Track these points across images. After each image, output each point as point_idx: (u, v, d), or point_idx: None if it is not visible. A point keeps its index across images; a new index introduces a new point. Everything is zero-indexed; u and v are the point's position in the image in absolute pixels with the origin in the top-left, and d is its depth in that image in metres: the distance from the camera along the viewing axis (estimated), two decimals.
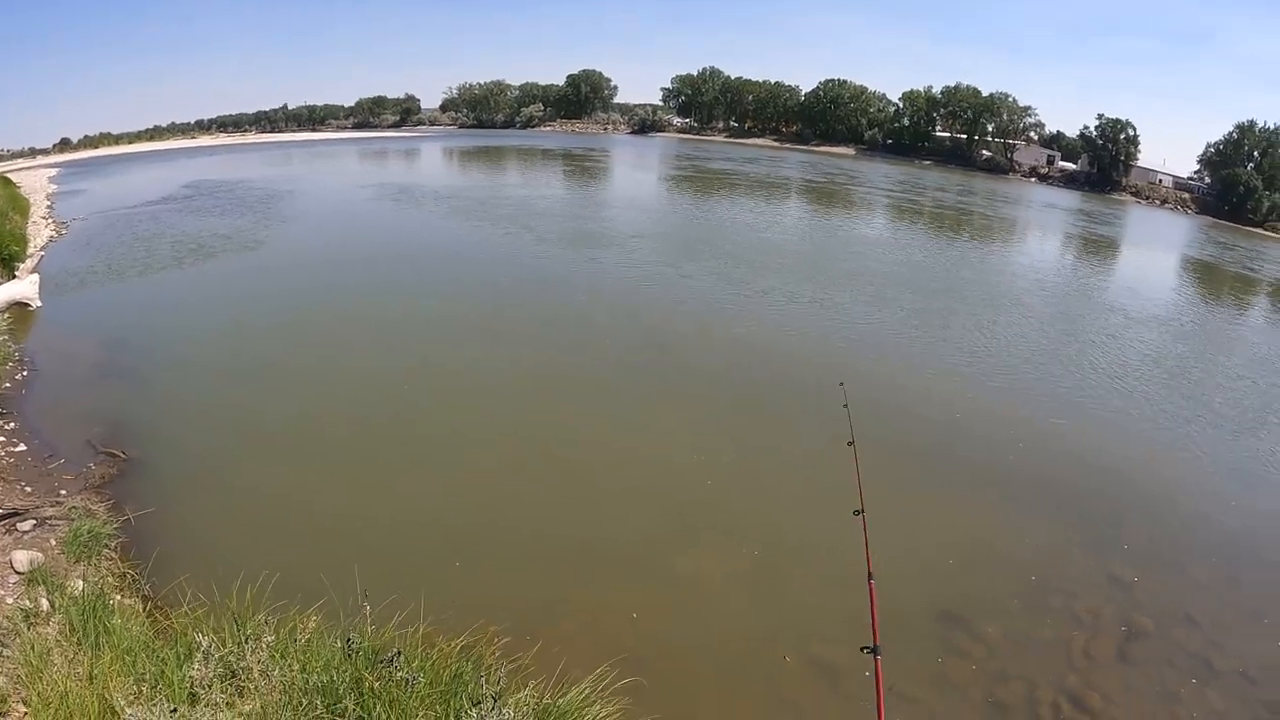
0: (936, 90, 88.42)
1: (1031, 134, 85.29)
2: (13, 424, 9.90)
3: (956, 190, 55.82)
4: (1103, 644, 7.04)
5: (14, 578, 6.13)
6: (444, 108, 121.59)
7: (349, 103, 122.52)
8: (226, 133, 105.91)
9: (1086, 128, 77.83)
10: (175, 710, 3.89)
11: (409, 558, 7.54)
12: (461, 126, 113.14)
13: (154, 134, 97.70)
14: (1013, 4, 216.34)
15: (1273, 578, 8.57)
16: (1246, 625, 7.53)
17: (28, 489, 8.26)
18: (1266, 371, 16.87)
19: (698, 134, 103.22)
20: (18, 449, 9.24)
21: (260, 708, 4.10)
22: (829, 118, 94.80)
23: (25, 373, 11.87)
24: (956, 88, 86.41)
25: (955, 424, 11.69)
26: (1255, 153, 68.92)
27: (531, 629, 6.23)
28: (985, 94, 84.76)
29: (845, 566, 7.52)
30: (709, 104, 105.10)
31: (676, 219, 32.97)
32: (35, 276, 16.61)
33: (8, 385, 11.17)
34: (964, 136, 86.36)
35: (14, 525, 7.14)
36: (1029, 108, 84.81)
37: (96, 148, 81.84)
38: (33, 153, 74.64)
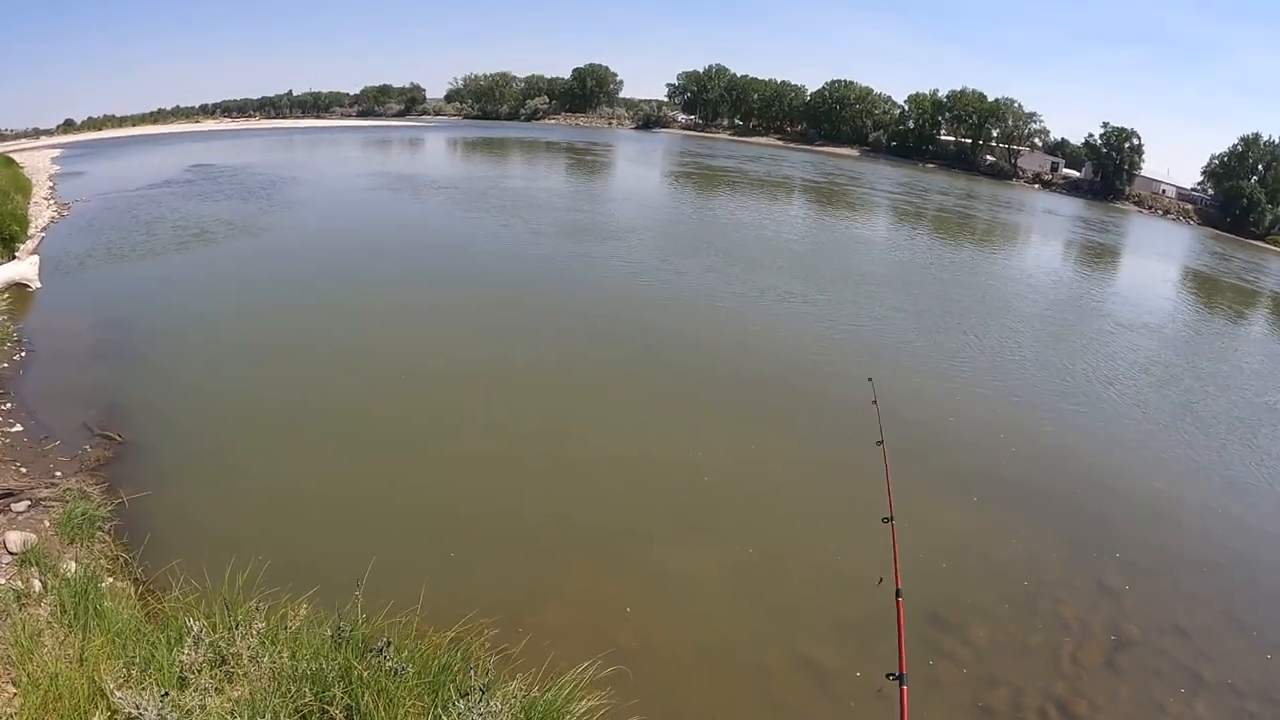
0: (942, 94, 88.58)
1: (1036, 140, 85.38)
2: (9, 404, 9.89)
3: (959, 194, 55.86)
4: (1091, 651, 7.06)
5: (6, 558, 6.13)
6: (449, 98, 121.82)
7: (354, 90, 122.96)
8: (230, 117, 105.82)
9: (1091, 135, 78.16)
10: (166, 695, 3.89)
11: (404, 547, 7.54)
12: (466, 117, 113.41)
13: (158, 117, 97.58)
14: (1021, 10, 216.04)
15: (1264, 590, 8.60)
16: (1236, 637, 7.55)
17: (23, 470, 8.24)
18: (1262, 382, 16.92)
19: (702, 131, 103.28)
20: (13, 429, 9.23)
21: (249, 694, 4.10)
22: (834, 118, 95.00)
23: (23, 353, 11.85)
24: (962, 92, 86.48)
25: (948, 426, 11.72)
26: (1259, 166, 69.01)
27: (522, 621, 6.26)
28: (991, 99, 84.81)
29: (844, 568, 7.71)
30: (714, 101, 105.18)
31: (675, 215, 33.00)
32: (35, 258, 16.56)
33: (4, 366, 11.16)
34: (968, 141, 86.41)
35: (8, 506, 7.14)
36: (1034, 114, 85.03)
37: (100, 130, 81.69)
38: (36, 133, 74.45)
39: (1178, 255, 43.59)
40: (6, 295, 13.94)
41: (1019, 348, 16.55)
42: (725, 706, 6.07)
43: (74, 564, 6.11)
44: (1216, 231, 63.77)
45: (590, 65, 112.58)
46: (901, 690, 3.17)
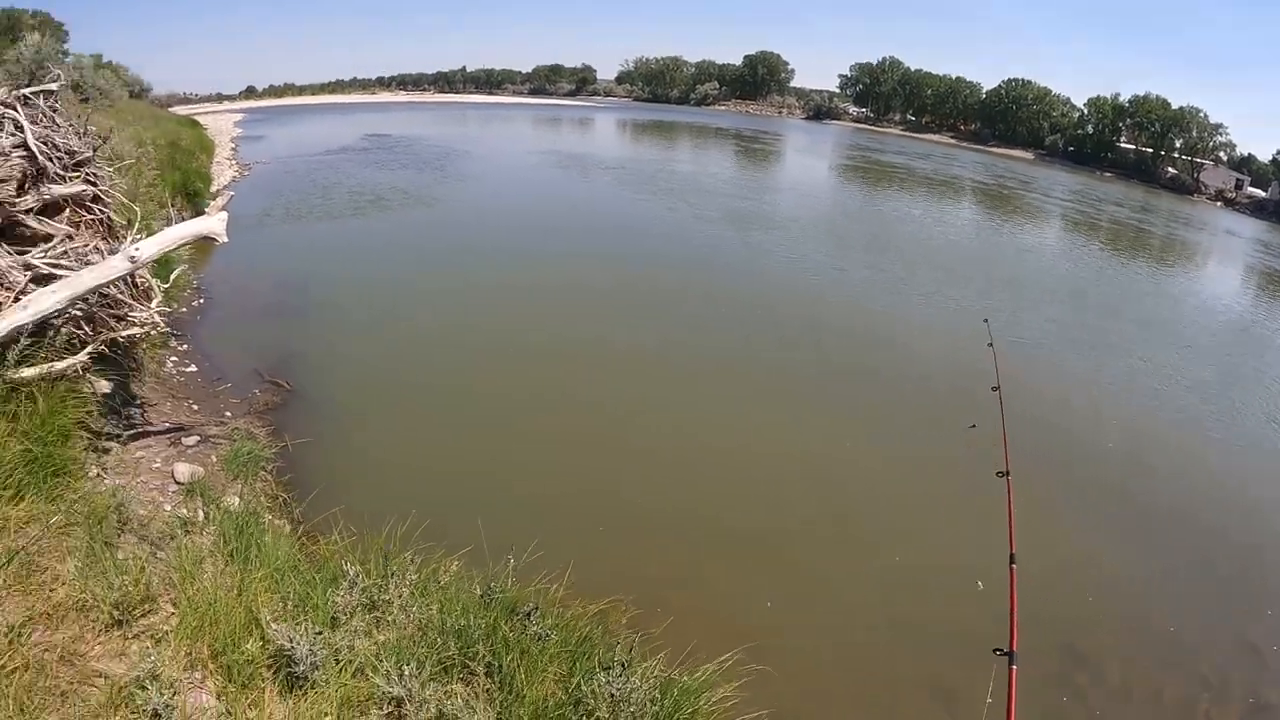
0: (1124, 99, 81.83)
1: (1220, 154, 77.55)
2: (186, 346, 10.54)
3: (1135, 207, 51.02)
4: (1226, 712, 6.21)
5: (174, 487, 6.43)
6: (619, 80, 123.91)
7: (526, 69, 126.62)
8: (406, 90, 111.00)
9: None
10: (320, 633, 3.91)
11: (555, 519, 7.40)
12: (636, 100, 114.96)
13: (335, 87, 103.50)
14: (1212, 12, 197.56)
15: None
16: None
17: (194, 407, 8.72)
18: None
19: (873, 125, 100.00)
20: (189, 369, 9.81)
21: (396, 640, 4.16)
22: (1009, 118, 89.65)
23: (201, 300, 12.65)
24: (1145, 98, 79.24)
25: (1108, 451, 10.53)
26: None
27: (663, 604, 6.06)
28: (1175, 107, 77.70)
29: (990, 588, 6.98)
30: (886, 95, 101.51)
31: (840, 208, 31.87)
32: (224, 214, 17.44)
33: (184, 310, 11.85)
34: (1149, 150, 79.25)
35: (179, 439, 7.51)
36: (1220, 125, 77.03)
37: (281, 97, 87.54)
38: (219, 98, 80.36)
39: None
40: (190, 247, 14.82)
41: (1189, 375, 14.73)
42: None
43: (236, 499, 6.28)
44: None
45: (762, 52, 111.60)
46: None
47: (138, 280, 7.31)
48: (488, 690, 4.06)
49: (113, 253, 6.60)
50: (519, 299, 14.65)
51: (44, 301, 5.75)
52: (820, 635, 6.47)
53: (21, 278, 5.97)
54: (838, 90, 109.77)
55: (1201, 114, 76.93)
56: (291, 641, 3.64)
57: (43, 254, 6.35)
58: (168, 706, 3.29)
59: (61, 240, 6.60)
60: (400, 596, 4.63)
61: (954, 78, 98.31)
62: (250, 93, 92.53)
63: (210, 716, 3.44)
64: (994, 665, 3.43)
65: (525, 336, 12.47)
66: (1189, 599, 7.70)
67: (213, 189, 22.39)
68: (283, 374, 9.96)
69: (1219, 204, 69.83)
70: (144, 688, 3.33)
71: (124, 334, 6.94)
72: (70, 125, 7.72)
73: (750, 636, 5.68)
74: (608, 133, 61.91)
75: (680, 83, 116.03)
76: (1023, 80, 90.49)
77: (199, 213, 17.75)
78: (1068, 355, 14.84)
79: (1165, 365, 15.09)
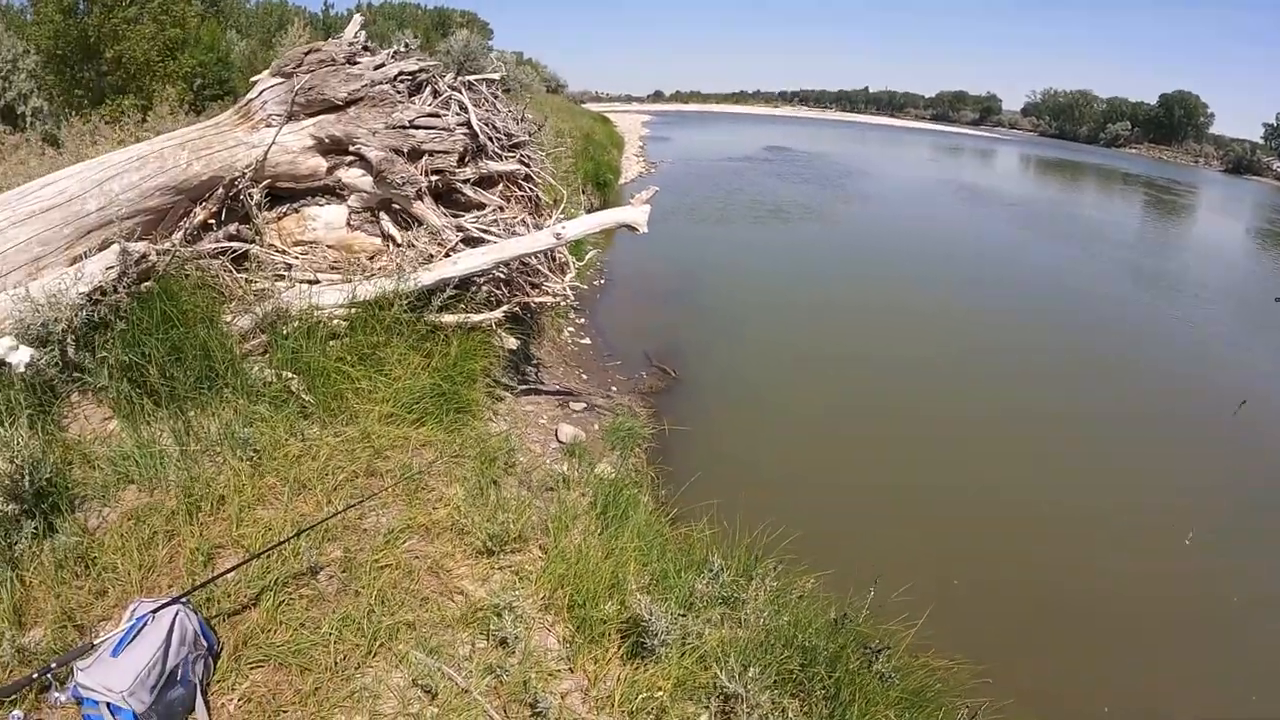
0: None
1: None
2: (584, 320, 11.44)
3: None
4: None
5: (555, 445, 6.86)
6: (1025, 112, 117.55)
7: (929, 93, 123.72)
8: (807, 106, 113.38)
9: None
10: (684, 615, 3.87)
11: (920, 563, 6.74)
12: (1041, 134, 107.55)
13: (739, 98, 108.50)
14: None
15: None
16: None
17: (584, 377, 9.33)
18: None
19: None
20: (584, 341, 10.64)
21: (745, 640, 4.04)
22: None
23: (602, 280, 13.64)
24: None
25: None
26: None
27: (1009, 676, 5.16)
28: None
29: None
30: None
31: (1254, 280, 25.56)
32: (647, 207, 18.82)
33: (586, 288, 12.77)
34: None
35: (567, 403, 8.05)
36: None
37: (686, 103, 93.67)
38: (628, 99, 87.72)
39: None
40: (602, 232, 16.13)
41: None
42: None
43: (610, 468, 6.46)
44: None
45: (1179, 93, 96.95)
46: None
47: (556, 255, 7.88)
48: (821, 715, 3.85)
49: (538, 228, 7.14)
50: (907, 327, 13.74)
51: (472, 260, 6.33)
52: None
53: (453, 237, 6.64)
54: (1261, 141, 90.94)
55: None
56: (651, 615, 3.60)
57: (474, 220, 7.00)
58: (516, 638, 3.47)
59: (493, 210, 7.24)
60: (756, 599, 4.45)
61: None
62: (657, 96, 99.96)
63: (553, 658, 3.59)
64: None
65: (912, 369, 11.62)
66: None
67: (620, 182, 24.21)
68: (669, 361, 10.31)
69: None
70: (499, 615, 3.52)
71: (536, 300, 7.52)
72: (509, 111, 8.51)
73: None
74: (1009, 167, 58.18)
75: (1089, 119, 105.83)
76: None
77: (607, 202, 19.26)
78: None
79: None
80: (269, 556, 3.54)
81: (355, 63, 6.92)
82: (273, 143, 6.33)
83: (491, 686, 3.27)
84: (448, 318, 6.14)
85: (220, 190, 6.03)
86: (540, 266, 7.55)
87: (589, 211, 14.51)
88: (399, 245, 6.54)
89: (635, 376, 9.72)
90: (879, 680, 4.13)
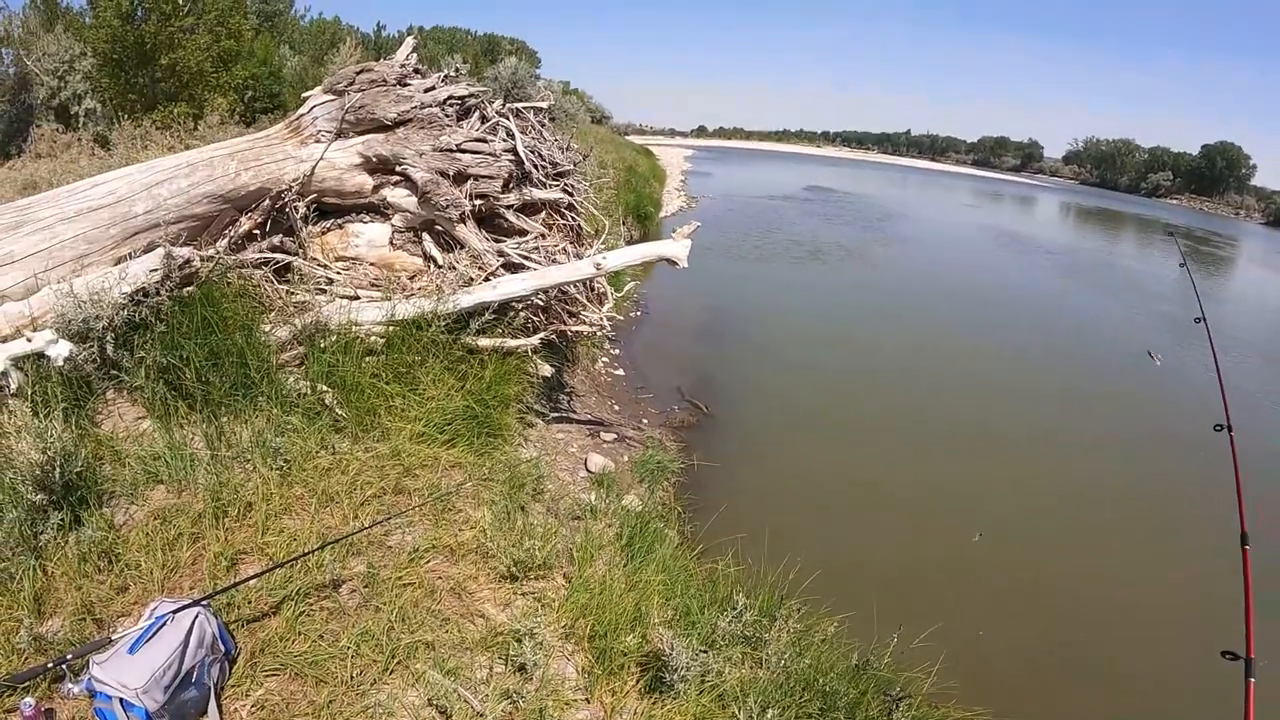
0: None
1: None
2: (618, 351, 11.44)
3: None
4: None
5: (583, 474, 6.85)
6: (1066, 160, 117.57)
7: (971, 138, 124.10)
8: (849, 148, 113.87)
9: None
10: (705, 651, 3.81)
11: (945, 609, 6.59)
12: (1083, 183, 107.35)
13: (781, 137, 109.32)
14: None
15: None
16: None
17: (616, 408, 9.32)
18: None
19: None
20: (617, 372, 10.62)
21: (765, 680, 3.99)
22: None
23: (638, 313, 13.68)
24: None
25: None
26: None
27: None
28: None
29: None
30: None
31: None
32: (688, 242, 18.99)
33: (622, 320, 12.80)
34: None
35: (598, 433, 8.04)
36: None
37: (729, 139, 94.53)
38: (672, 133, 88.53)
39: None
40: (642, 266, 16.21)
41: None
42: None
43: (636, 500, 6.43)
44: None
45: (1222, 144, 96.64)
46: None
47: (594, 285, 7.92)
48: None
49: (579, 257, 7.20)
50: (942, 373, 13.54)
51: (511, 286, 6.38)
52: None
53: (494, 261, 6.70)
54: None
55: None
56: (673, 650, 3.56)
57: (516, 245, 7.07)
58: (535, 664, 3.46)
59: (534, 237, 7.31)
60: (778, 640, 4.39)
61: None
62: (701, 131, 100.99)
63: (571, 688, 3.58)
64: None
65: (944, 415, 11.46)
66: None
67: (661, 215, 24.36)
68: (702, 396, 10.28)
69: None
70: (519, 640, 3.51)
71: (573, 329, 7.55)
72: (554, 140, 8.62)
73: None
74: (1049, 214, 57.79)
75: (1130, 169, 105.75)
76: None
77: (647, 234, 19.40)
78: None
79: None
80: (292, 566, 3.58)
81: (406, 84, 7.06)
82: (321, 158, 6.47)
83: (507, 712, 3.25)
84: (484, 341, 6.18)
85: (266, 202, 6.17)
86: (578, 295, 7.60)
87: (629, 243, 14.62)
88: (440, 266, 6.63)
89: (667, 410, 9.69)
90: None
